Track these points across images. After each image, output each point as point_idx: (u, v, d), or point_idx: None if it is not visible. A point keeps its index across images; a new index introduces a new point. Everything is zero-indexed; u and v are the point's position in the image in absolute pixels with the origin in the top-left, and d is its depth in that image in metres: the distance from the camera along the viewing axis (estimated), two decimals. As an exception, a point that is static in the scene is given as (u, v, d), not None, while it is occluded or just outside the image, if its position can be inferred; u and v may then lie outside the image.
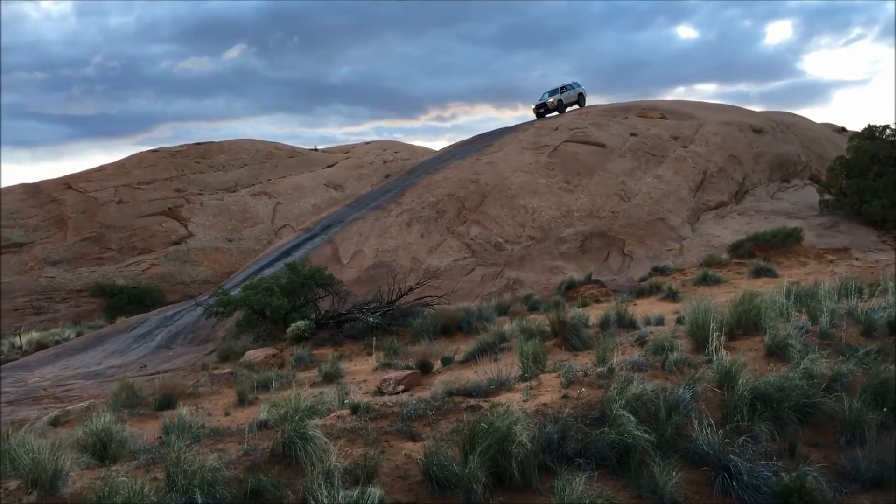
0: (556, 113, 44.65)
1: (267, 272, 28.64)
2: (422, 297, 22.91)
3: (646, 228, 30.63)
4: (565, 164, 34.67)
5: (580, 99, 46.30)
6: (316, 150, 68.14)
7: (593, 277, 26.25)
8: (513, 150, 36.75)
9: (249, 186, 54.96)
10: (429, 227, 30.54)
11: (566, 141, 36.86)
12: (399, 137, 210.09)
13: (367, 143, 72.77)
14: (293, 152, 62.98)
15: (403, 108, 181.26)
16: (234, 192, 53.74)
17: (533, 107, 46.01)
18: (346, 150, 68.45)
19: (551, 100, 45.03)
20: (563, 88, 45.86)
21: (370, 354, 17.51)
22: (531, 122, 43.27)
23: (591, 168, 34.31)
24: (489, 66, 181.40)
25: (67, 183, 51.90)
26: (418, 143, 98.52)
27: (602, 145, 36.30)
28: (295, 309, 23.02)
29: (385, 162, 62.99)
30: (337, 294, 23.86)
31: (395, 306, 22.07)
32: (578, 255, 29.23)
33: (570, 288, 25.18)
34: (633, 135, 37.62)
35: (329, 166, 61.49)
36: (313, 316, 22.58)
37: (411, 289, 23.26)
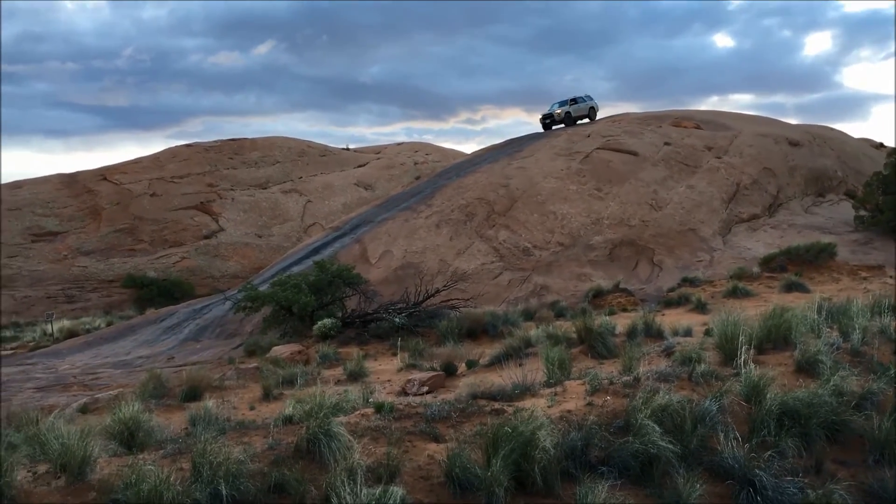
0: (562, 126, 44.42)
1: (295, 269, 28.92)
2: (448, 300, 22.99)
3: (676, 238, 30.45)
4: (597, 171, 34.58)
5: (591, 113, 45.93)
6: (347, 149, 68.52)
7: (621, 286, 26.24)
8: (544, 155, 36.74)
9: (281, 184, 55.40)
10: (457, 230, 30.60)
11: (598, 148, 36.79)
12: (429, 139, 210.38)
13: (399, 144, 73.09)
14: (325, 151, 63.41)
15: (434, 108, 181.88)
16: (266, 188, 54.20)
17: (540, 116, 45.96)
18: (377, 151, 68.78)
19: (559, 111, 44.88)
20: (573, 100, 45.62)
21: (395, 355, 17.58)
22: (564, 129, 43.27)
23: (622, 176, 34.19)
24: (521, 69, 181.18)
25: (103, 174, 52.71)
26: (448, 145, 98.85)
27: (635, 153, 36.16)
28: (322, 307, 23.17)
29: (416, 164, 63.21)
30: (364, 293, 24.00)
31: (422, 308, 22.16)
32: (607, 262, 29.16)
33: (597, 296, 25.22)
34: (666, 144, 37.45)
35: (360, 166, 61.83)
36: (340, 314, 22.78)
37: (438, 291, 23.37)
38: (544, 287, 27.60)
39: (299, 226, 51.39)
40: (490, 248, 29.62)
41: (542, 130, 45.15)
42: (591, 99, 46.79)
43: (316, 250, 32.02)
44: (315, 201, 54.14)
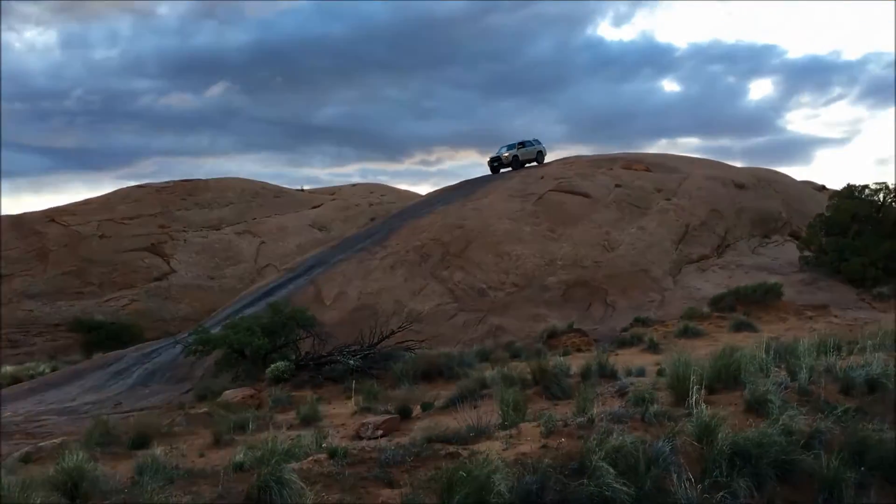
0: (509, 169, 44.95)
1: (248, 311, 28.61)
2: (403, 341, 22.89)
3: (628, 279, 30.87)
4: (550, 212, 35.06)
5: (538, 157, 46.53)
6: (302, 190, 68.38)
7: (575, 326, 26.50)
8: (499, 196, 37.18)
9: (234, 225, 54.90)
10: (413, 271, 30.64)
11: (552, 190, 37.39)
12: (384, 180, 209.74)
13: (354, 185, 73.23)
14: (280, 192, 63.17)
15: (388, 150, 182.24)
16: (219, 230, 53.63)
17: (488, 159, 46.54)
18: (332, 192, 68.74)
19: (507, 154, 45.65)
20: (521, 144, 46.29)
21: (350, 398, 17.34)
22: (517, 171, 43.80)
23: (575, 217, 34.68)
24: (474, 112, 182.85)
25: (51, 216, 51.62)
26: (403, 186, 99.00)
27: (587, 195, 36.75)
28: (275, 349, 22.86)
29: (371, 205, 63.31)
30: (318, 336, 23.77)
31: (377, 350, 22.02)
32: (561, 303, 29.43)
33: (552, 336, 25.37)
34: (617, 186, 38.16)
35: (315, 207, 61.66)
36: (293, 357, 22.50)
37: (393, 332, 23.27)
38: (500, 328, 27.70)
39: (253, 267, 50.84)
40: (445, 290, 29.65)
41: (492, 172, 45.62)
42: (539, 143, 47.39)
43: (270, 292, 31.72)
44: (269, 243, 53.71)
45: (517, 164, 45.20)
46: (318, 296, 29.89)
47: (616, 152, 47.72)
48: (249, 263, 51.12)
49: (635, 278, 31.06)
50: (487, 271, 30.76)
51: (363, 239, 36.37)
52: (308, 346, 23.40)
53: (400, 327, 23.84)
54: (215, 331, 24.93)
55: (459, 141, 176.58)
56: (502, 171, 45.17)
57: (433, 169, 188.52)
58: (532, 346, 23.93)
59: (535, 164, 46.06)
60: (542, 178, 39.64)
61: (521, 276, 30.60)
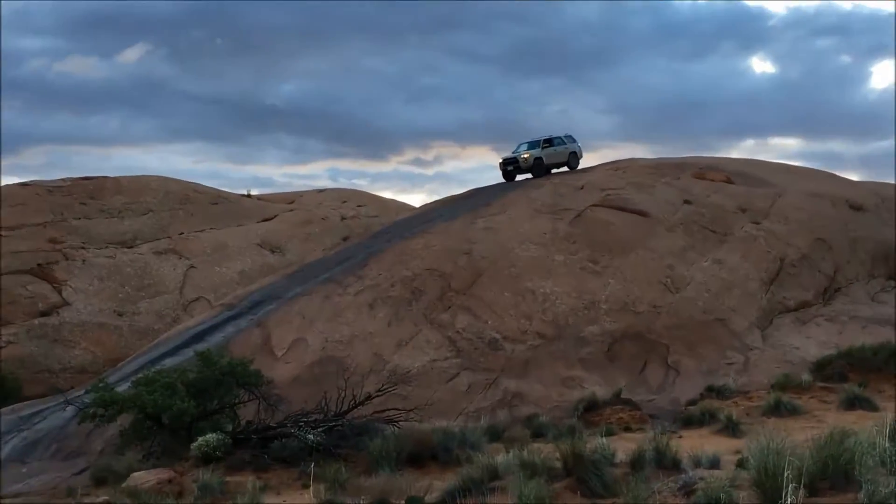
0: (529, 175, 45.07)
1: (169, 362, 28.77)
2: (384, 410, 22.73)
3: (699, 332, 30.97)
4: (592, 236, 35.34)
5: (571, 160, 46.82)
6: (249, 196, 68.31)
7: (623, 396, 26.79)
8: (521, 212, 37.50)
9: (153, 241, 54.73)
10: (399, 313, 30.73)
11: (595, 205, 37.76)
12: (362, 185, 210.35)
13: (321, 191, 73.32)
14: (217, 198, 63.06)
15: (369, 144, 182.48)
16: (132, 247, 53.50)
17: (500, 161, 46.43)
18: (290, 200, 68.76)
19: (526, 155, 45.37)
20: (547, 142, 46.30)
21: (307, 486, 17.27)
22: (546, 178, 44.07)
23: (627, 244, 34.93)
24: (490, 95, 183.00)
25: None
26: (388, 194, 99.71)
27: (644, 214, 37.04)
28: (205, 416, 22.84)
29: (343, 218, 63.48)
30: (265, 399, 23.83)
31: (346, 420, 21.87)
32: (604, 363, 29.62)
33: (590, 409, 25.58)
34: (686, 202, 38.46)
35: (265, 220, 61.60)
36: (230, 428, 22.48)
37: (370, 397, 23.10)
38: (517, 395, 27.86)
39: (177, 301, 50.63)
40: (444, 339, 29.70)
41: (506, 180, 45.74)
42: (573, 140, 47.62)
43: (199, 336, 31.74)
44: (201, 267, 53.46)
45: (540, 169, 45.16)
46: (266, 343, 29.95)
47: (685, 156, 47.89)
48: (173, 295, 51.00)
49: (708, 331, 31.09)
50: (503, 315, 30.79)
51: (332, 266, 36.40)
52: (251, 413, 23.31)
53: (379, 390, 23.64)
54: (122, 388, 24.83)
55: (468, 134, 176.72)
56: (520, 177, 45.37)
57: (430, 171, 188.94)
58: (562, 422, 23.99)
59: (565, 169, 46.26)
60: (581, 188, 39.80)
61: (549, 323, 30.66)
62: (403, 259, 34.05)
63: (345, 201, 68.96)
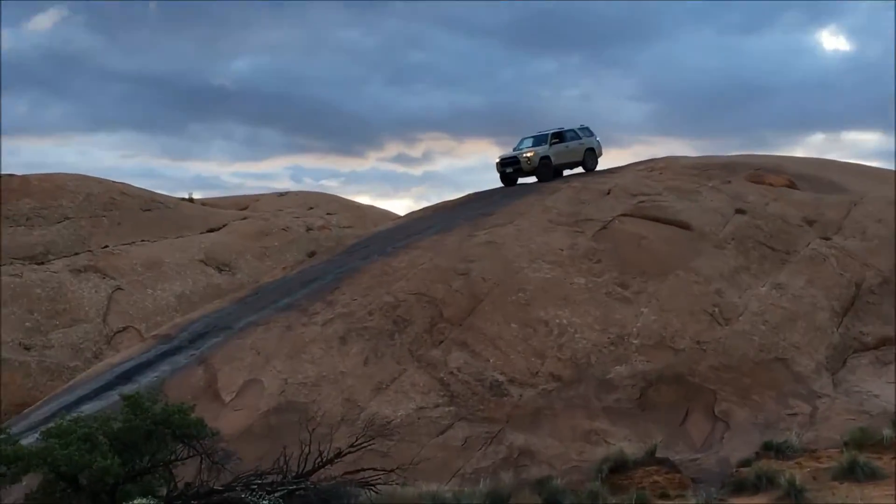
0: (533, 179, 45.38)
1: (88, 408, 28.39)
2: (358, 471, 22.90)
3: (754, 374, 30.88)
4: (621, 254, 35.40)
5: (587, 159, 47.08)
6: (190, 200, 68.28)
7: (659, 454, 26.49)
8: (532, 223, 37.58)
9: (70, 256, 54.80)
10: (378, 348, 30.75)
11: (625, 214, 37.88)
12: (333, 188, 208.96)
13: (281, 195, 73.18)
14: (150, 202, 62.93)
15: (342, 136, 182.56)
16: (43, 263, 53.82)
17: (496, 160, 46.63)
18: (242, 206, 68.81)
19: (529, 154, 45.46)
20: (557, 136, 46.55)
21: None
22: (564, 181, 44.33)
23: (664, 264, 34.99)
24: (493, 76, 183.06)
25: None
26: (366, 199, 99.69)
27: (686, 226, 37.19)
28: (133, 477, 22.89)
29: (309, 229, 63.49)
30: (209, 455, 23.50)
31: (311, 483, 22.17)
32: (635, 412, 29.46)
33: (618, 470, 25.42)
34: (739, 212, 38.67)
35: (211, 230, 61.66)
36: (164, 491, 22.52)
37: (341, 453, 23.25)
38: (526, 452, 27.48)
39: (100, 331, 50.52)
40: (434, 381, 29.68)
41: (504, 185, 46.07)
42: (590, 134, 48.05)
43: (127, 375, 31.61)
44: (130, 289, 53.44)
45: (548, 171, 45.24)
46: (211, 385, 29.56)
47: (736, 154, 48.25)
48: (94, 324, 51.02)
49: (766, 373, 30.82)
50: (508, 352, 30.57)
51: (294, 289, 36.18)
52: (191, 473, 23.17)
53: (353, 445, 23.66)
54: (29, 440, 24.75)
55: (465, 125, 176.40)
56: (521, 180, 45.76)
57: (418, 171, 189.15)
58: (582, 487, 24.19)
59: (579, 169, 46.77)
60: (608, 192, 39.74)
61: (566, 362, 30.41)
62: (384, 281, 34.21)
63: (311, 208, 68.69)
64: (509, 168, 45.78)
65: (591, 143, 47.39)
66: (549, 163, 45.27)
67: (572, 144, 46.60)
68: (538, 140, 46.21)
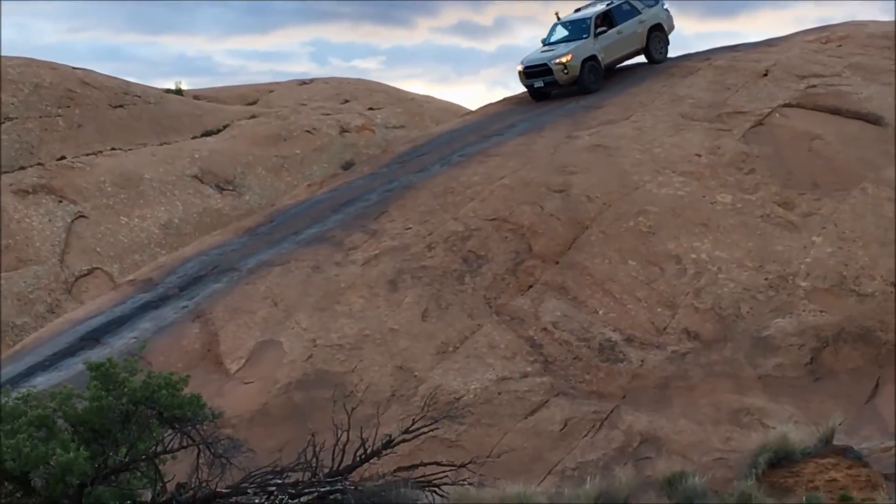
0: (576, 87, 42.32)
1: (42, 381, 28.47)
2: (416, 466, 22.78)
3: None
4: (783, 160, 34.56)
5: (653, 46, 44.24)
6: (177, 92, 68.21)
7: (838, 441, 25.22)
8: (657, 119, 36.97)
9: (13, 172, 55.03)
10: (442, 296, 30.27)
11: (788, 105, 36.90)
12: (372, 72, 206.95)
13: (303, 83, 72.62)
14: (121, 95, 62.84)
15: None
16: (-19, 181, 53.97)
17: (519, 66, 43.84)
18: (249, 99, 68.76)
19: (564, 59, 42.27)
20: (603, 19, 43.49)
21: None
22: (706, 55, 43.04)
23: (845, 174, 34.10)
24: None
25: None
26: (418, 87, 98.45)
27: (877, 121, 36.17)
28: (105, 475, 22.78)
29: (344, 131, 62.98)
30: (209, 445, 23.37)
31: (350, 483, 21.91)
32: (804, 383, 28.69)
33: (779, 463, 24.60)
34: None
35: (207, 134, 61.76)
36: (150, 494, 22.38)
37: (391, 442, 22.85)
38: (650, 439, 26.73)
39: (56, 275, 50.62)
40: (521, 342, 28.89)
41: (545, 97, 43.49)
42: (656, 2, 45.11)
43: (95, 336, 31.28)
44: (97, 217, 53.29)
45: (594, 77, 42.46)
46: (210, 349, 29.04)
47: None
48: (47, 265, 51.08)
49: None
50: (624, 301, 29.92)
51: (325, 214, 35.87)
52: (185, 470, 23.20)
53: (408, 430, 23.67)
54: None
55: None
56: (554, 93, 43.07)
57: (490, 46, 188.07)
58: (730, 486, 23.83)
59: (640, 58, 44.76)
60: (765, 74, 38.50)
61: (706, 313, 29.64)
62: (450, 202, 33.62)
63: (345, 101, 68.36)
64: (538, 81, 43.43)
65: (657, 16, 44.76)
66: (598, 65, 42.94)
67: (628, 26, 44.04)
68: (576, 29, 43.66)
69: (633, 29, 43.57)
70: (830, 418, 26.36)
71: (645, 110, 37.06)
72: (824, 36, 43.81)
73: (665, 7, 44.54)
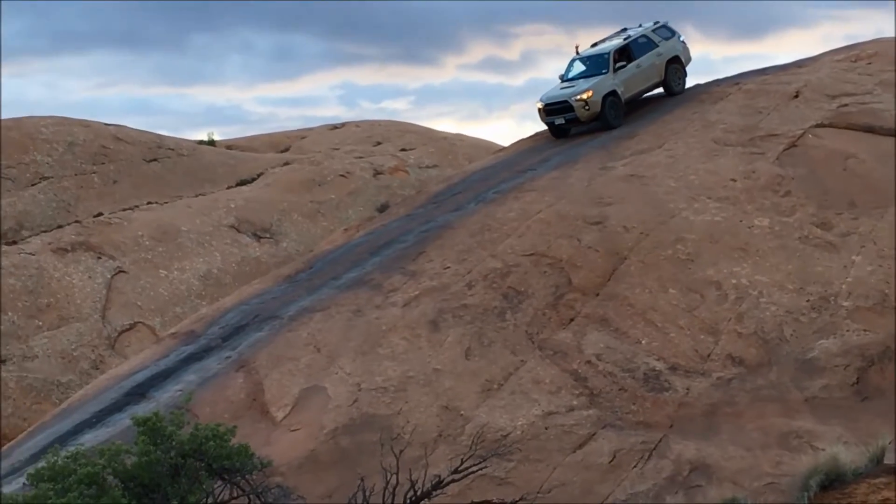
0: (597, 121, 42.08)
1: (90, 438, 28.37)
2: (467, 504, 22.88)
3: None
4: (819, 181, 34.47)
5: (671, 78, 44.18)
6: (210, 143, 68.52)
7: (889, 461, 25.40)
8: (690, 145, 36.84)
9: (51, 231, 55.25)
10: (484, 334, 30.19)
11: (821, 125, 36.86)
12: (402, 112, 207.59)
13: (335, 127, 72.87)
14: (155, 150, 62.78)
15: (407, 37, 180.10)
16: (15, 242, 54.15)
17: (539, 104, 43.56)
18: (281, 146, 68.85)
19: (585, 95, 41.97)
20: (622, 53, 43.37)
21: None
22: (736, 79, 42.94)
23: (882, 191, 33.97)
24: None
25: None
26: (448, 125, 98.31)
27: (914, 139, 35.94)
28: (157, 529, 22.96)
29: (378, 173, 63.06)
30: (259, 494, 23.62)
31: (402, 525, 22.02)
32: (851, 403, 28.48)
33: (829, 486, 24.55)
34: None
35: (243, 183, 61.96)
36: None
37: (441, 483, 22.90)
38: (699, 466, 26.54)
39: (98, 331, 50.89)
40: (565, 375, 28.91)
41: (566, 134, 43.51)
42: (670, 33, 44.84)
43: (140, 391, 31.39)
44: (136, 271, 53.49)
45: (616, 112, 42.36)
46: (256, 398, 29.00)
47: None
48: (90, 322, 51.26)
49: None
50: (667, 329, 29.92)
51: (362, 258, 35.93)
52: (235, 519, 23.42)
53: (458, 470, 23.61)
54: (12, 488, 24.78)
55: (578, 10, 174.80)
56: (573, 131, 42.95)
57: (518, 80, 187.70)
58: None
59: (660, 91, 44.85)
60: (796, 95, 38.53)
61: (749, 338, 29.56)
62: (487, 239, 33.38)
63: (378, 143, 68.44)
64: (558, 118, 43.37)
65: (674, 48, 44.88)
66: (619, 100, 42.86)
67: (646, 59, 44.11)
68: (594, 64, 43.54)
69: (651, 62, 43.68)
70: (880, 437, 26.34)
71: (677, 138, 37.13)
72: (853, 54, 43.72)
73: (682, 39, 44.89)
